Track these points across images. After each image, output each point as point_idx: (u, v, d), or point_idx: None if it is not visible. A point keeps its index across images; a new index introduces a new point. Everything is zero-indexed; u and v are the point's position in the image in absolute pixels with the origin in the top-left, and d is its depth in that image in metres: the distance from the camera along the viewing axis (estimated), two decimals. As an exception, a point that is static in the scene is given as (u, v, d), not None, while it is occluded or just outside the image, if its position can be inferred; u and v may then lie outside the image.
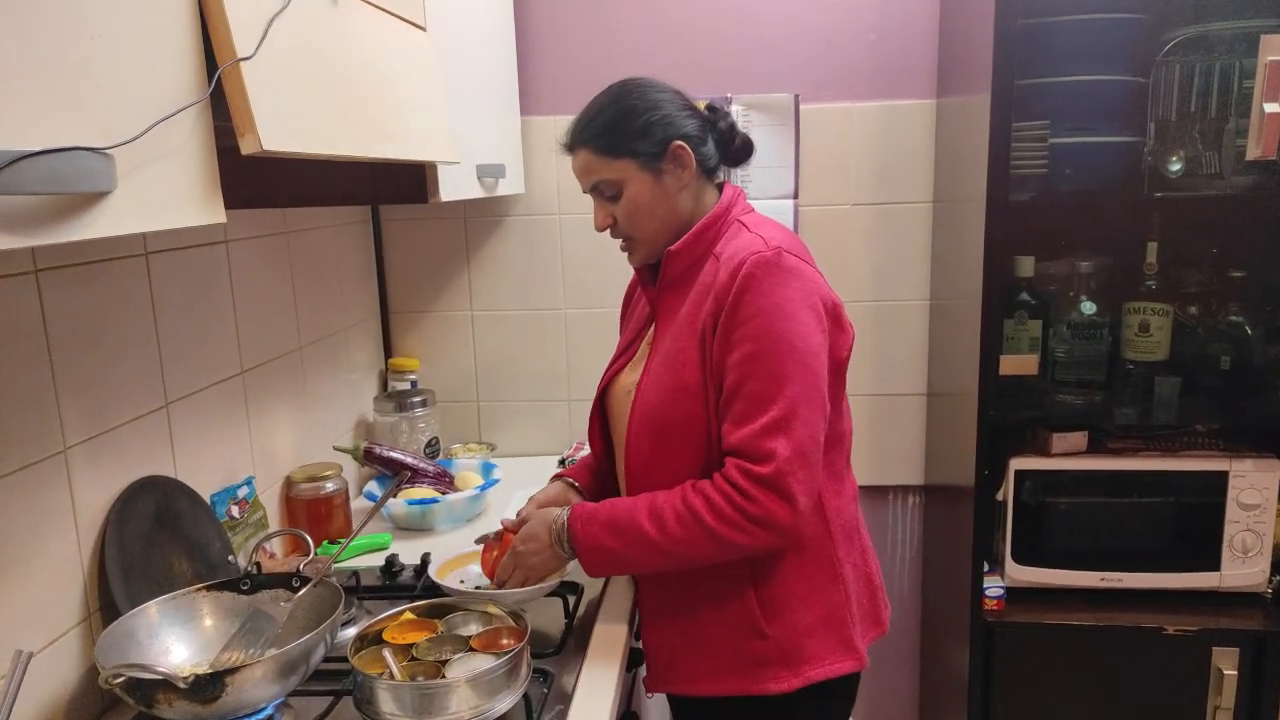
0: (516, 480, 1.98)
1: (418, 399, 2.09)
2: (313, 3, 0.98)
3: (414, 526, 1.80)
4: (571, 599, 1.40)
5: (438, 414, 2.15)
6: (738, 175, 2.03)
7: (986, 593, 1.80)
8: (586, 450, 1.53)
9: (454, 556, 1.47)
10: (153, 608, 1.14)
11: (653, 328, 1.35)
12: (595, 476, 1.49)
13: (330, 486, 1.72)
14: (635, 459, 1.29)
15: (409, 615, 1.24)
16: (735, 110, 2.09)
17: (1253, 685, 1.73)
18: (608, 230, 1.33)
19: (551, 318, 2.24)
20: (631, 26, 2.11)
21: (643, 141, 1.25)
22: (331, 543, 1.66)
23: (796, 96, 2.10)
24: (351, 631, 1.23)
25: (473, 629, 1.22)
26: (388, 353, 2.26)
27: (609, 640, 1.32)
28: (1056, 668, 1.79)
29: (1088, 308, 1.83)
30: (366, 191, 1.61)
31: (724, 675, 1.27)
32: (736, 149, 1.36)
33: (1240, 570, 1.76)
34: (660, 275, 1.32)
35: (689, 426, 1.23)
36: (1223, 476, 1.74)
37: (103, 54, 0.68)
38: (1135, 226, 1.84)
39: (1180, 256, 1.86)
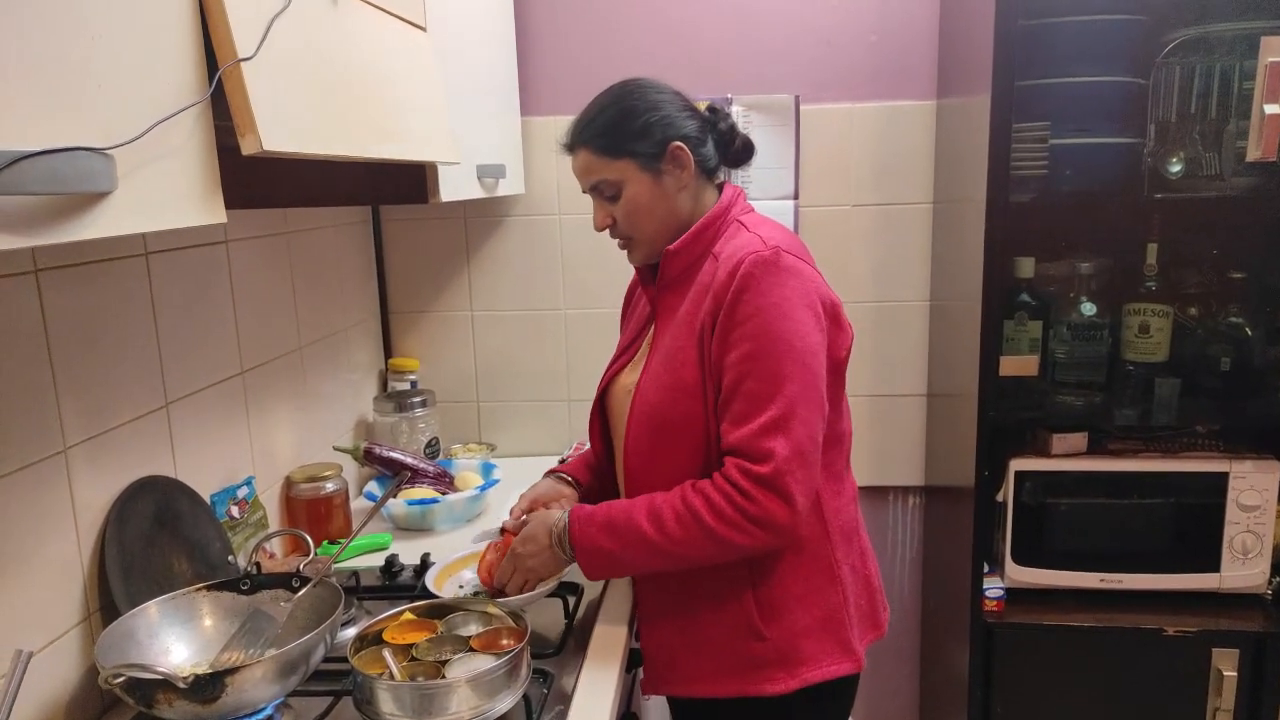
0: (516, 480, 1.96)
1: (418, 399, 2.09)
2: (313, 3, 0.98)
3: (414, 527, 1.80)
4: (571, 600, 1.40)
5: (438, 414, 2.15)
6: (738, 176, 2.03)
7: (986, 593, 1.80)
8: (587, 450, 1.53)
9: (451, 561, 1.48)
10: (152, 608, 1.14)
11: (652, 327, 1.35)
12: (595, 475, 1.49)
13: (330, 487, 1.72)
14: (634, 459, 1.29)
15: (409, 615, 1.24)
16: (735, 111, 2.09)
17: (1253, 686, 1.73)
18: (607, 230, 1.33)
19: (551, 318, 2.24)
20: (631, 26, 2.11)
21: (642, 142, 1.26)
22: (331, 543, 1.66)
23: (797, 97, 2.09)
24: (351, 632, 1.23)
25: (473, 629, 1.22)
26: (388, 353, 2.27)
27: (609, 641, 1.32)
28: (1056, 669, 1.79)
29: (1088, 309, 1.83)
30: (367, 191, 1.61)
31: (722, 676, 1.27)
32: (737, 150, 1.36)
33: (1240, 571, 1.76)
34: (659, 275, 1.32)
35: (688, 426, 1.23)
36: (1223, 478, 1.74)
37: (103, 54, 0.68)
38: (1135, 227, 1.84)
39: (1180, 257, 1.85)
